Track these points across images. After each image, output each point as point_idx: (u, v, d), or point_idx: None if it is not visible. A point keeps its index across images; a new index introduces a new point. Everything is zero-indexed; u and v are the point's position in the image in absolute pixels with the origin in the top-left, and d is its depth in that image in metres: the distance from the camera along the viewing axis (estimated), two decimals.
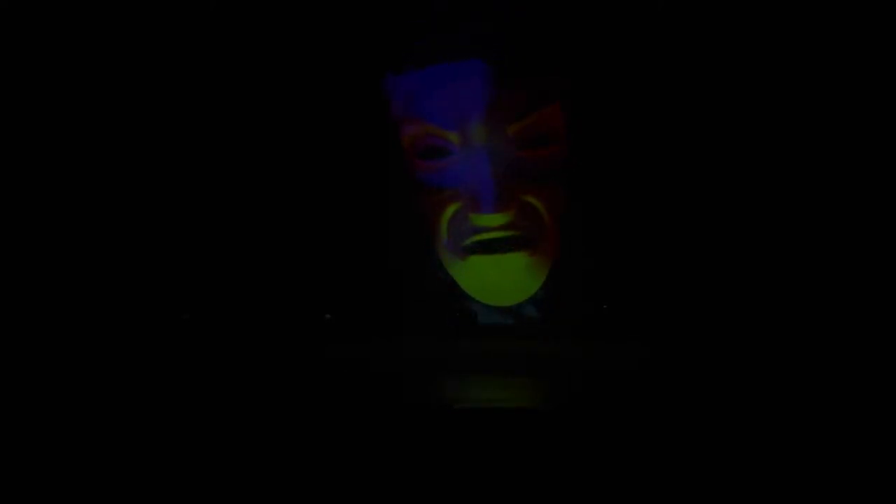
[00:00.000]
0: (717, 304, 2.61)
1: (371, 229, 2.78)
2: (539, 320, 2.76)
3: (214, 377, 2.44)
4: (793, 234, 2.61)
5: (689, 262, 2.62)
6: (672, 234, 2.63)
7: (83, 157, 2.85)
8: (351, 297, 2.85)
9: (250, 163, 2.85)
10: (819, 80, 2.56)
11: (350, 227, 2.81)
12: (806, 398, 2.08)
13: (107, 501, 1.72)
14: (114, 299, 2.81)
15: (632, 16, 2.61)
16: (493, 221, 2.59)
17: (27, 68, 2.82)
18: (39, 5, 2.81)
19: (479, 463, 1.83)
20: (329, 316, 2.86)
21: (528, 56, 2.55)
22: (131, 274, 2.84)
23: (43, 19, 2.82)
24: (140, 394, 2.22)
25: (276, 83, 2.82)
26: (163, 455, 1.86)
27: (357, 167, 2.75)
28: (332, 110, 2.76)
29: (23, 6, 2.79)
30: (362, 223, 2.80)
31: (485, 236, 2.63)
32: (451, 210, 2.65)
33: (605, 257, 2.62)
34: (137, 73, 2.84)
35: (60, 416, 2.05)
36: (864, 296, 2.52)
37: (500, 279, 2.68)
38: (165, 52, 2.83)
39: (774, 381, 2.24)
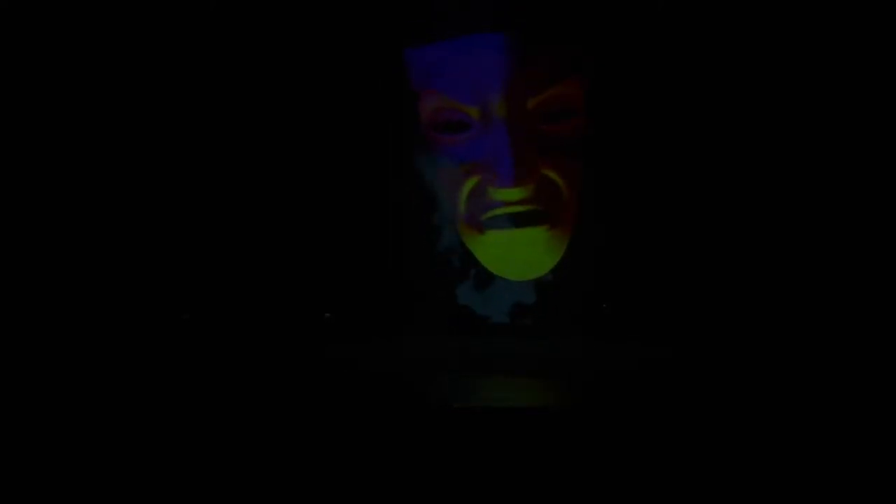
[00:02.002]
0: (722, 303, 2.58)
1: (369, 226, 2.76)
2: (542, 317, 2.73)
3: (214, 377, 2.43)
4: (802, 235, 2.57)
5: (699, 251, 2.60)
6: (684, 220, 2.60)
7: (76, 158, 2.81)
8: (350, 295, 2.82)
9: (248, 157, 2.81)
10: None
11: (349, 223, 2.78)
12: (810, 399, 2.06)
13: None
14: (112, 299, 2.78)
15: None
16: (512, 196, 2.57)
17: (27, 68, 2.78)
18: (39, 5, 2.78)
19: (478, 462, 1.85)
20: (329, 315, 2.84)
21: (547, 27, 2.51)
22: (130, 274, 2.80)
23: (43, 19, 2.79)
24: (138, 394, 2.21)
25: (275, 75, 2.77)
26: (160, 456, 1.91)
27: (359, 162, 2.72)
28: (333, 108, 2.73)
29: (23, 6, 2.77)
30: (361, 219, 2.77)
31: (504, 210, 2.61)
32: (470, 184, 2.62)
33: (621, 237, 2.61)
34: (132, 63, 2.79)
35: (55, 416, 2.04)
36: (866, 299, 2.49)
37: (517, 253, 2.66)
38: (161, 32, 2.79)
39: (778, 382, 2.23)
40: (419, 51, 2.61)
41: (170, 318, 2.79)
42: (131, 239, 2.82)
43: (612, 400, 2.15)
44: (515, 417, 1.98)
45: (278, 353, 2.67)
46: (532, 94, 2.51)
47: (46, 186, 2.78)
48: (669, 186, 2.59)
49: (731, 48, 2.54)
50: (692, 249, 2.60)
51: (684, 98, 2.57)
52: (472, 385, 2.33)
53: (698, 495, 1.74)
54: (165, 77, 2.79)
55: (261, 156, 2.80)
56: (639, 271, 2.64)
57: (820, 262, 2.56)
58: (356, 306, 2.82)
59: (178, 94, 2.80)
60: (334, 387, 2.32)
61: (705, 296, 2.60)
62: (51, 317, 2.71)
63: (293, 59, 2.76)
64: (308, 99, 2.77)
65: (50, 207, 2.78)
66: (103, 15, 2.77)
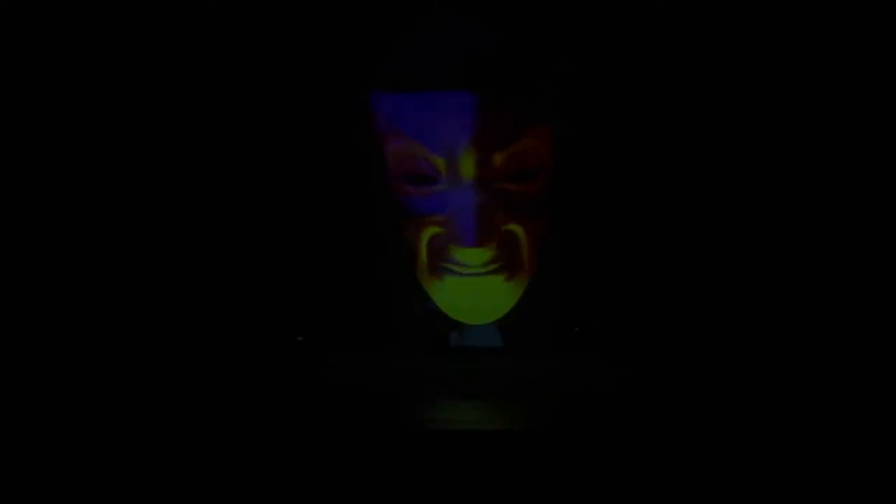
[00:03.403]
0: (694, 326, 2.65)
1: (341, 246, 2.76)
2: (511, 341, 2.77)
3: (186, 395, 2.37)
4: (774, 256, 2.65)
5: (666, 285, 2.67)
6: (651, 262, 2.67)
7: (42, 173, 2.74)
8: (322, 316, 2.81)
9: (227, 170, 2.79)
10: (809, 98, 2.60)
11: (319, 244, 2.78)
12: (787, 419, 2.09)
13: None
14: (83, 320, 2.72)
15: (616, 43, 2.63)
16: (474, 257, 2.55)
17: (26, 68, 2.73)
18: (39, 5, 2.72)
19: (453, 485, 1.83)
20: (301, 338, 2.80)
21: (517, 80, 2.50)
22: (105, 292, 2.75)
23: (42, 19, 2.73)
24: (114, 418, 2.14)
25: (252, 92, 2.76)
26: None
27: (337, 182, 2.73)
28: (309, 122, 2.73)
29: (23, 6, 2.72)
30: (332, 239, 2.77)
31: (464, 271, 2.60)
32: (430, 232, 2.60)
33: (583, 280, 2.67)
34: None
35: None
36: (845, 324, 2.56)
37: (474, 300, 2.66)
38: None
39: (753, 400, 2.25)
40: (387, 96, 2.58)
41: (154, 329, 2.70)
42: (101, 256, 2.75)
43: (584, 421, 2.14)
44: (489, 439, 1.96)
45: (249, 374, 2.60)
46: (499, 149, 2.49)
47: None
48: (637, 229, 2.67)
49: (694, 101, 2.63)
50: (660, 278, 2.68)
51: (651, 146, 2.65)
52: (445, 406, 2.30)
53: None
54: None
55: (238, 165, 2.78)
56: (607, 295, 2.71)
57: (792, 282, 2.63)
58: (329, 328, 2.79)
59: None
60: (305, 408, 2.26)
61: (673, 318, 2.67)
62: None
63: (271, 73, 2.74)
64: (283, 114, 2.76)
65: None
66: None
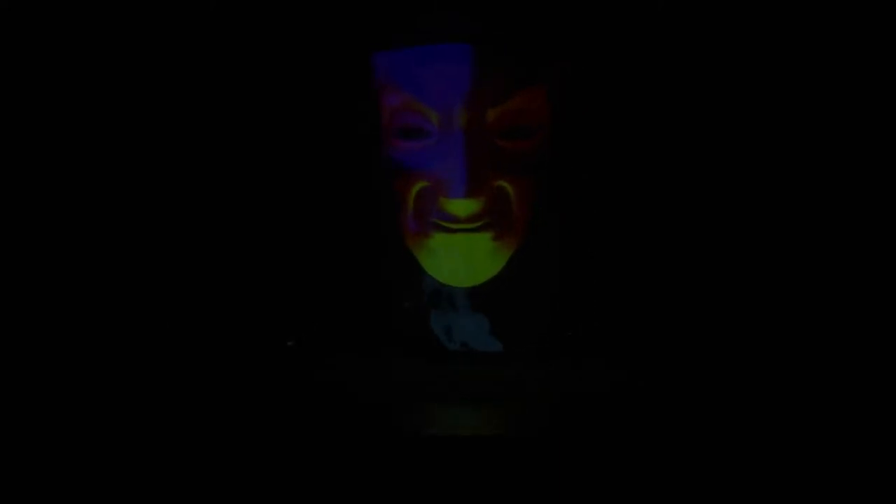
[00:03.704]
0: (691, 326, 2.63)
1: (334, 248, 2.73)
2: (504, 344, 2.72)
3: (177, 399, 2.34)
4: (766, 258, 2.64)
5: (663, 276, 2.64)
6: (647, 245, 2.65)
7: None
8: (314, 320, 2.78)
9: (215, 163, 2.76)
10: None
11: (312, 243, 2.75)
12: (785, 419, 2.07)
13: None
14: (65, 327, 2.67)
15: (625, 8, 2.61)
16: (462, 209, 2.54)
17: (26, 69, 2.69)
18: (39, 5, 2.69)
19: (447, 491, 1.81)
20: (291, 342, 2.76)
21: (513, 40, 2.52)
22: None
23: (42, 19, 2.70)
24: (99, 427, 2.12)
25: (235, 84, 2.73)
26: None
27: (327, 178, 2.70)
28: (298, 115, 2.70)
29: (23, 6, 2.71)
30: (325, 240, 2.74)
31: (452, 225, 2.58)
32: (418, 187, 2.60)
33: (574, 254, 2.64)
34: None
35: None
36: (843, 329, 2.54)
37: (460, 260, 2.64)
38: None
39: (751, 403, 2.25)
40: (385, 53, 2.60)
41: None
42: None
43: (579, 426, 2.14)
44: (483, 445, 1.94)
45: (240, 377, 2.56)
46: (493, 105, 2.50)
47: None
48: (630, 204, 2.65)
49: (695, 68, 2.60)
50: (654, 267, 2.65)
51: (647, 117, 2.63)
52: (438, 412, 2.30)
53: None
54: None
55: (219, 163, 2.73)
56: (599, 292, 2.68)
57: (786, 280, 2.62)
58: (321, 331, 2.75)
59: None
60: (296, 414, 2.25)
61: (668, 318, 2.65)
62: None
63: (247, 69, 2.71)
64: (273, 104, 2.72)
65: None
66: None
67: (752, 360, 2.52)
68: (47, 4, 2.66)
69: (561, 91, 2.62)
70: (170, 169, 2.75)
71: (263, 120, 2.75)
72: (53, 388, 2.43)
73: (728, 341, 2.60)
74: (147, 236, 2.75)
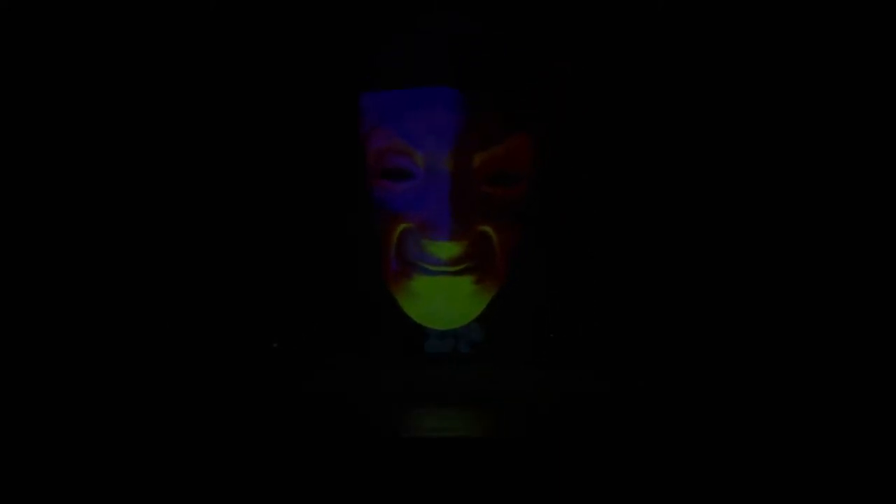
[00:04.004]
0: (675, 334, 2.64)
1: (318, 251, 2.73)
2: (484, 348, 2.75)
3: (159, 404, 2.32)
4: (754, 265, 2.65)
5: (646, 297, 2.67)
6: (628, 276, 2.67)
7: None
8: (297, 323, 2.77)
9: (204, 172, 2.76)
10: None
11: (295, 250, 2.75)
12: (776, 425, 2.07)
13: None
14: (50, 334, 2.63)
15: (603, 55, 2.66)
16: (445, 251, 2.54)
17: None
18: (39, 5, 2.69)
19: (427, 493, 1.80)
20: (276, 344, 2.75)
21: (503, 83, 2.53)
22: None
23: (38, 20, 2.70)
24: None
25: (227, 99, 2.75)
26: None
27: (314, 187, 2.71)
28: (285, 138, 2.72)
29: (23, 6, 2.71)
30: (308, 246, 2.74)
31: (433, 268, 2.59)
32: (401, 228, 2.60)
33: (555, 292, 2.65)
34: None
35: None
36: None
37: (441, 303, 2.64)
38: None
39: (741, 408, 2.26)
40: (373, 94, 2.61)
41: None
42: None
43: (560, 429, 2.16)
44: (464, 447, 1.93)
45: (223, 381, 2.54)
46: (479, 150, 2.51)
47: None
48: (610, 243, 2.68)
49: (678, 117, 2.65)
50: (640, 291, 2.68)
51: (628, 169, 2.67)
52: (419, 415, 2.30)
53: None
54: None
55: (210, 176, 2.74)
56: (581, 304, 2.71)
57: (765, 284, 2.63)
58: (303, 334, 2.74)
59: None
60: (279, 416, 2.24)
61: (653, 328, 2.67)
62: None
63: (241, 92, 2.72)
64: (259, 139, 2.74)
65: None
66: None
67: (742, 365, 2.53)
68: (46, 5, 2.67)
69: (545, 140, 2.64)
70: (159, 180, 2.75)
71: (251, 152, 2.77)
72: (44, 388, 2.41)
73: (714, 354, 2.60)
74: (135, 243, 2.74)
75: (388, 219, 2.62)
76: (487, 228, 2.58)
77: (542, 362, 2.71)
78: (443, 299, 2.63)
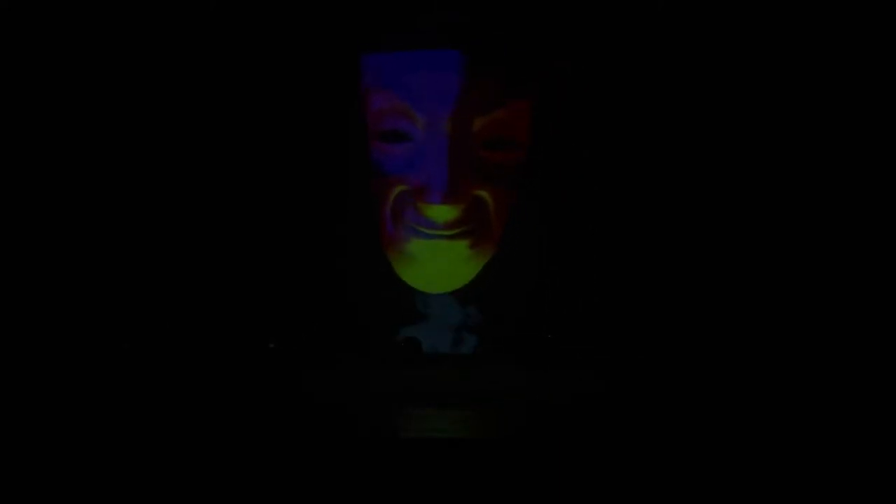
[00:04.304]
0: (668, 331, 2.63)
1: (314, 252, 2.71)
2: (482, 347, 2.75)
3: (156, 406, 2.31)
4: (745, 263, 2.64)
5: (638, 284, 2.65)
6: (621, 254, 2.66)
7: None
8: (294, 324, 2.75)
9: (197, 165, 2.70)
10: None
11: (292, 248, 2.72)
12: (762, 430, 2.08)
13: None
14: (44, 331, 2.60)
15: (612, 23, 2.63)
16: (441, 215, 2.56)
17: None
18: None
19: (426, 493, 1.80)
20: (273, 345, 2.73)
21: (502, 49, 2.56)
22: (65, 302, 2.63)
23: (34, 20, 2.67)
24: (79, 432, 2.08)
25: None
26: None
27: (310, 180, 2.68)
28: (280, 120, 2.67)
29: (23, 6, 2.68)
30: (305, 245, 2.72)
31: (429, 231, 2.60)
32: (397, 191, 2.61)
33: (549, 263, 2.66)
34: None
35: None
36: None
37: (435, 266, 2.66)
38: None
39: (725, 414, 2.25)
40: (375, 56, 2.60)
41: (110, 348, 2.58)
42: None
43: (554, 430, 2.16)
44: (462, 448, 1.94)
45: (221, 382, 2.52)
46: (479, 115, 2.52)
47: None
48: (606, 216, 2.65)
49: (673, 86, 2.63)
50: (628, 275, 2.65)
51: (627, 129, 2.64)
52: (417, 416, 2.30)
53: None
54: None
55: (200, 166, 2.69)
56: (575, 297, 2.68)
57: (762, 283, 2.62)
58: (300, 335, 2.72)
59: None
60: (277, 417, 2.24)
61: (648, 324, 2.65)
62: None
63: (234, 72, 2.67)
64: (259, 101, 2.69)
65: None
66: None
67: (737, 359, 2.54)
68: (44, 5, 2.64)
69: (545, 107, 2.65)
70: (148, 166, 2.69)
71: (248, 118, 2.71)
72: (41, 385, 2.41)
73: (703, 347, 2.61)
74: (126, 238, 2.69)
75: (384, 181, 2.63)
76: (483, 193, 2.59)
77: (540, 363, 2.69)
78: (438, 263, 2.64)
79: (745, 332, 2.60)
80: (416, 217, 2.59)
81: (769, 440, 1.99)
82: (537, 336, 2.72)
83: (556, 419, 2.26)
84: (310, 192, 2.70)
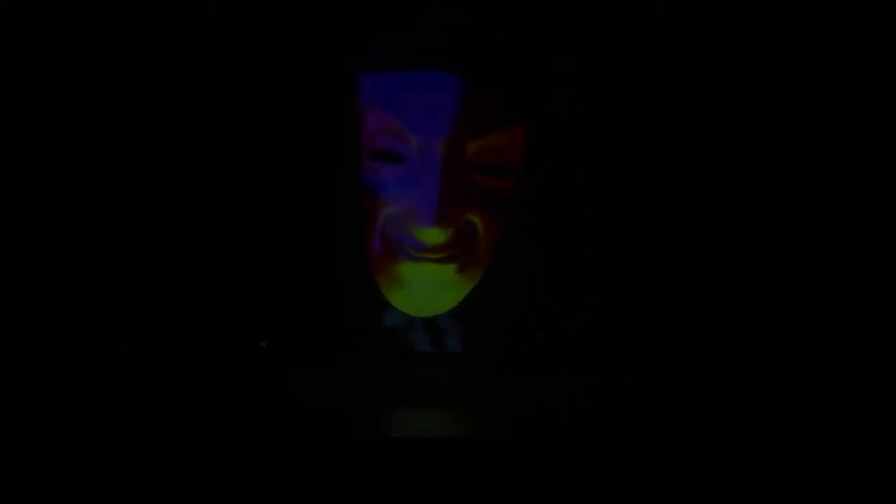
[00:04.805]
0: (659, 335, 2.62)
1: (304, 251, 2.69)
2: (468, 350, 2.73)
3: (146, 406, 2.30)
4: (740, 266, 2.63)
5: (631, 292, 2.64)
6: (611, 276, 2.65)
7: None
8: (284, 323, 2.73)
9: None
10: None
11: (282, 245, 2.71)
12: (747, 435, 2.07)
13: None
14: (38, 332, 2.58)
15: (603, 53, 2.63)
16: (430, 237, 2.54)
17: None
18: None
19: (416, 492, 1.80)
20: (264, 344, 2.72)
21: (503, 73, 2.55)
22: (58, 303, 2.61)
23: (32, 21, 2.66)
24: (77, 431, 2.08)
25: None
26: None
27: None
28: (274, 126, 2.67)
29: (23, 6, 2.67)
30: (295, 242, 2.70)
31: (418, 254, 2.58)
32: (389, 210, 2.59)
33: (540, 286, 2.65)
34: None
35: None
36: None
37: (422, 289, 2.64)
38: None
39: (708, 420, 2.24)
40: (374, 76, 2.59)
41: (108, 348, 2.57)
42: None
43: (545, 431, 2.16)
44: (452, 447, 1.95)
45: (211, 381, 2.52)
46: (474, 139, 2.51)
47: None
48: (600, 241, 2.65)
49: (671, 111, 2.62)
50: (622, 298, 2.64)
51: (623, 154, 2.64)
52: (406, 414, 2.32)
53: None
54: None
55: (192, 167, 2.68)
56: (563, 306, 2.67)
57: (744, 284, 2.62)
58: (291, 334, 2.70)
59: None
60: (266, 416, 2.24)
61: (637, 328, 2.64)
62: None
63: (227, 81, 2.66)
64: (255, 116, 2.68)
65: None
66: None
67: (730, 363, 2.54)
68: (42, 6, 2.63)
69: (539, 133, 2.64)
70: (140, 167, 2.69)
71: (243, 129, 2.71)
72: (32, 383, 2.39)
73: (702, 353, 2.60)
74: (125, 237, 2.68)
75: (374, 201, 2.62)
76: (474, 218, 2.58)
77: (530, 364, 2.69)
78: (424, 286, 2.62)
79: (737, 358, 2.57)
80: (404, 238, 2.57)
81: (764, 444, 2.00)
82: (528, 338, 2.70)
83: (548, 419, 2.26)
84: (301, 191, 2.68)
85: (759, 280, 2.63)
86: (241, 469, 1.92)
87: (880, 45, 2.57)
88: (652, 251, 2.66)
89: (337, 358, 2.70)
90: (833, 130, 2.62)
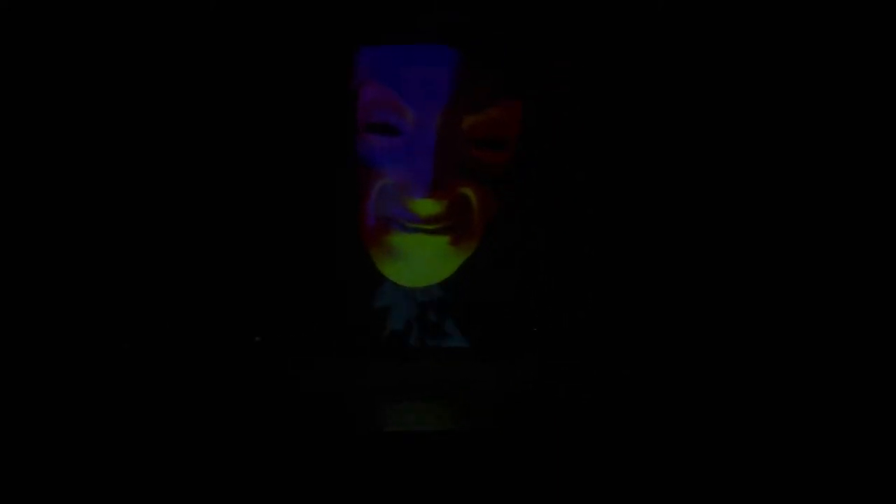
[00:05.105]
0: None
1: (298, 243, 2.68)
2: (463, 341, 2.71)
3: (141, 402, 2.30)
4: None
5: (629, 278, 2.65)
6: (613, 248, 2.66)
7: None
8: (278, 316, 2.72)
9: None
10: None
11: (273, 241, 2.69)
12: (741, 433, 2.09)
13: None
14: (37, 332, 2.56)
15: (612, 24, 2.62)
16: (423, 209, 2.56)
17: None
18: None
19: (415, 486, 1.82)
20: (259, 338, 2.71)
21: (500, 45, 2.55)
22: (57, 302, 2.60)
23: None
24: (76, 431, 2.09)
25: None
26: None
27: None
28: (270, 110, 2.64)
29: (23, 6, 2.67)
30: (288, 237, 2.69)
31: (410, 224, 2.59)
32: (381, 183, 2.60)
33: (534, 264, 2.66)
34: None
35: None
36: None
37: (413, 260, 2.65)
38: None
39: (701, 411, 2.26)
40: (372, 49, 2.60)
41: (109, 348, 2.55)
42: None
43: (539, 422, 2.21)
44: (447, 440, 1.96)
45: (205, 376, 2.50)
46: (470, 112, 2.53)
47: None
48: (597, 220, 2.65)
49: (670, 92, 2.62)
50: (620, 270, 2.65)
51: (619, 138, 2.64)
52: (399, 409, 2.33)
53: None
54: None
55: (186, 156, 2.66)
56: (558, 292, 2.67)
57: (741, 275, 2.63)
58: (285, 328, 2.69)
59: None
60: (260, 410, 2.25)
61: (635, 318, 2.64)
62: None
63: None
64: (250, 93, 2.65)
65: None
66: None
67: (729, 360, 2.54)
68: (41, 6, 2.60)
69: (536, 107, 2.65)
70: (136, 161, 2.67)
71: (237, 110, 2.69)
72: (28, 383, 2.38)
73: (694, 343, 2.60)
74: (122, 236, 2.66)
75: (368, 174, 2.63)
76: (468, 191, 2.60)
77: (525, 356, 2.69)
78: (417, 257, 2.64)
79: (735, 348, 2.57)
80: (398, 210, 2.59)
81: (764, 442, 2.01)
82: (522, 330, 2.70)
83: (544, 411, 2.28)
84: (295, 181, 2.66)
85: (761, 275, 2.65)
86: (237, 464, 1.92)
87: (880, 45, 2.59)
88: (651, 248, 2.68)
89: (331, 352, 2.70)
90: (833, 130, 2.64)
